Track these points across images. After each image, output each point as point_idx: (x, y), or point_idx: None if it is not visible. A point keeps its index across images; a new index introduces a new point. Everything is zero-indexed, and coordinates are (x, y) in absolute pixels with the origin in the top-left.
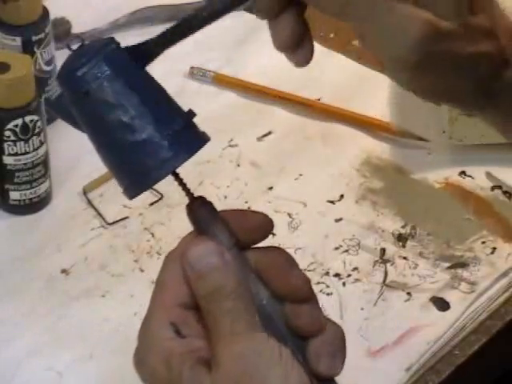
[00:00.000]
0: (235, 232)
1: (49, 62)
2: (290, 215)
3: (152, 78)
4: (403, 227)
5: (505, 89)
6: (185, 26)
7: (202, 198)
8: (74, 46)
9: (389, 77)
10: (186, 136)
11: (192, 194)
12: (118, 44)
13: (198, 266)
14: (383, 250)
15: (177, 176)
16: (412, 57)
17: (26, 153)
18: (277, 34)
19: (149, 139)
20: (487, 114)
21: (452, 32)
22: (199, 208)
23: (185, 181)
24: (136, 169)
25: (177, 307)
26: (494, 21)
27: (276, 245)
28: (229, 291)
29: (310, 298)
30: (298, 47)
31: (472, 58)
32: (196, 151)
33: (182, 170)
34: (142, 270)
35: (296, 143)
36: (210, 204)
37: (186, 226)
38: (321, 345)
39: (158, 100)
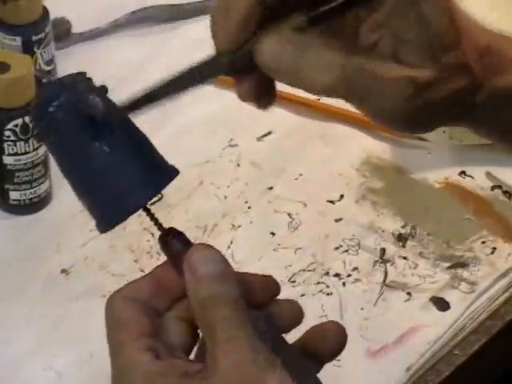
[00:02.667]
0: None
1: (49, 62)
2: (289, 215)
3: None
4: (403, 227)
5: (480, 107)
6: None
7: (173, 230)
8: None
9: (381, 125)
10: (155, 171)
11: (163, 227)
12: (90, 80)
13: (201, 270)
14: (383, 250)
15: (148, 211)
16: (403, 113)
17: (25, 153)
18: (240, 91)
19: (118, 177)
20: (473, 129)
21: (430, 81)
22: (172, 240)
23: (156, 215)
24: (105, 205)
25: (147, 337)
26: (462, 42)
27: (276, 245)
28: (229, 299)
29: (278, 290)
30: (260, 99)
31: (448, 99)
32: (164, 186)
33: (181, 170)
34: (141, 270)
35: (296, 143)
36: (182, 235)
37: (186, 227)
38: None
39: (132, 141)
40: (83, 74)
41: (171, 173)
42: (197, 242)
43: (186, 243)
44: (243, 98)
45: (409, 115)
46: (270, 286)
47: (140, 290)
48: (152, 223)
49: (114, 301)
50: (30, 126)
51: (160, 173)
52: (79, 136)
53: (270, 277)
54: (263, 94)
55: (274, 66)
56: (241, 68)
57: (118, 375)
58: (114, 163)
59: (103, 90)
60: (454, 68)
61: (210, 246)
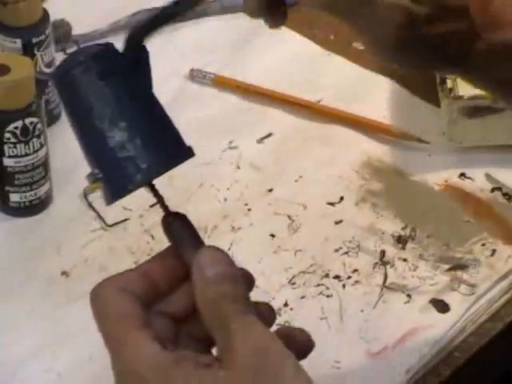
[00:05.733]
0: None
1: (49, 64)
2: (289, 217)
3: (145, 87)
4: (403, 229)
5: (475, 59)
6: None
7: (177, 213)
8: (70, 50)
9: (372, 55)
10: (170, 147)
11: (167, 208)
12: (116, 49)
13: (211, 271)
14: (383, 252)
15: (153, 188)
16: (394, 41)
17: (26, 155)
18: (248, 5)
19: (131, 145)
20: (465, 77)
21: (426, 16)
22: (174, 222)
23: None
24: (115, 174)
25: (148, 328)
26: None
27: (276, 247)
28: (239, 297)
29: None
30: (270, 15)
31: (443, 37)
32: (176, 165)
33: (181, 172)
34: None
35: (296, 145)
36: (186, 219)
37: None
38: None
39: (148, 109)
40: (110, 44)
41: (186, 153)
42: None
43: (189, 227)
44: (252, 13)
45: (399, 46)
46: (249, 278)
47: (131, 282)
48: (152, 223)
49: (107, 292)
50: (30, 128)
51: (174, 150)
52: (98, 96)
53: (243, 269)
54: (272, 9)
55: None
56: None
57: (125, 369)
58: (129, 132)
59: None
60: (453, 9)
61: (218, 249)
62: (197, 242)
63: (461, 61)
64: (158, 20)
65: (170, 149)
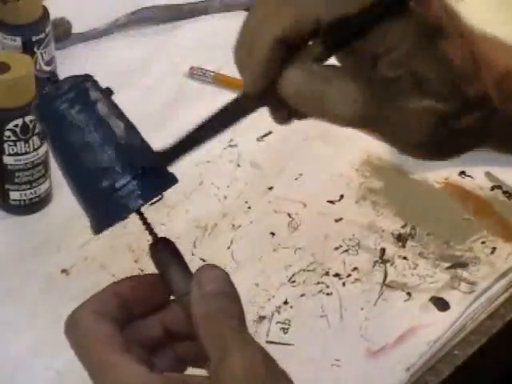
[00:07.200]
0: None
1: (49, 62)
2: (289, 215)
3: (123, 115)
4: (403, 227)
5: (497, 130)
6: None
7: (165, 240)
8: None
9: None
10: (153, 175)
11: (155, 234)
12: (95, 81)
13: (210, 287)
14: (383, 250)
15: (141, 215)
16: (425, 145)
17: (26, 153)
18: (275, 118)
19: (115, 177)
20: (495, 149)
21: (454, 112)
22: (162, 249)
23: (149, 220)
24: (98, 205)
25: (129, 352)
26: (481, 72)
27: (276, 245)
28: (235, 314)
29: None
30: (296, 119)
31: (471, 128)
32: (162, 191)
33: (181, 171)
34: (141, 270)
35: (296, 143)
36: (172, 246)
37: (186, 227)
38: None
39: (129, 138)
40: (89, 76)
41: (170, 180)
42: (195, 244)
43: (176, 255)
44: (280, 123)
45: (433, 146)
46: None
47: (107, 305)
48: (152, 222)
49: (83, 316)
50: (30, 126)
51: (159, 178)
52: (81, 132)
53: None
54: (298, 116)
55: (300, 99)
56: (269, 102)
57: None
58: (112, 164)
59: (108, 91)
60: (475, 100)
61: (218, 267)
62: (185, 269)
63: (488, 138)
64: (183, 145)
65: (157, 178)
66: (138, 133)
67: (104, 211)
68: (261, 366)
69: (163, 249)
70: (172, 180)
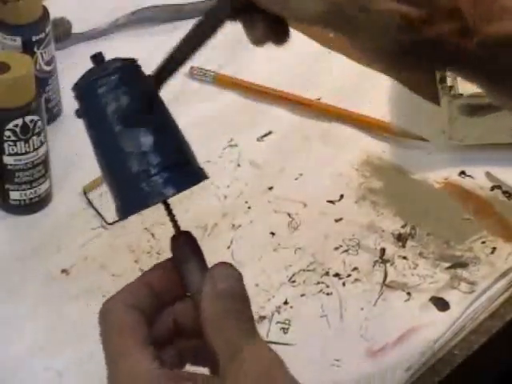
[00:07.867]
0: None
1: (49, 62)
2: (289, 215)
3: (164, 105)
4: (403, 227)
5: (471, 55)
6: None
7: (187, 234)
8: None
9: (370, 66)
10: (185, 169)
11: (179, 228)
12: (139, 66)
13: (223, 285)
14: (383, 250)
15: (167, 205)
16: (394, 46)
17: (26, 153)
18: (253, 37)
19: (148, 164)
20: (463, 75)
21: (423, 18)
22: (183, 244)
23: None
24: (133, 189)
25: (151, 346)
26: None
27: (276, 244)
28: (246, 314)
29: None
30: (274, 39)
31: (441, 37)
32: (193, 185)
33: None
34: (141, 270)
35: (296, 143)
36: (193, 241)
37: (186, 227)
38: None
39: (168, 130)
40: (134, 60)
41: (201, 175)
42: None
43: (197, 250)
44: (258, 42)
45: (396, 51)
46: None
47: (139, 297)
48: (152, 222)
49: (115, 307)
50: (30, 126)
51: (190, 171)
52: (120, 116)
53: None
54: (276, 33)
55: None
56: (242, 7)
57: (122, 381)
58: (148, 149)
59: (151, 79)
60: (446, 11)
61: (233, 266)
62: (203, 267)
63: (458, 58)
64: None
65: (189, 171)
66: (176, 124)
67: (135, 195)
68: (273, 366)
69: (184, 243)
70: (203, 175)
